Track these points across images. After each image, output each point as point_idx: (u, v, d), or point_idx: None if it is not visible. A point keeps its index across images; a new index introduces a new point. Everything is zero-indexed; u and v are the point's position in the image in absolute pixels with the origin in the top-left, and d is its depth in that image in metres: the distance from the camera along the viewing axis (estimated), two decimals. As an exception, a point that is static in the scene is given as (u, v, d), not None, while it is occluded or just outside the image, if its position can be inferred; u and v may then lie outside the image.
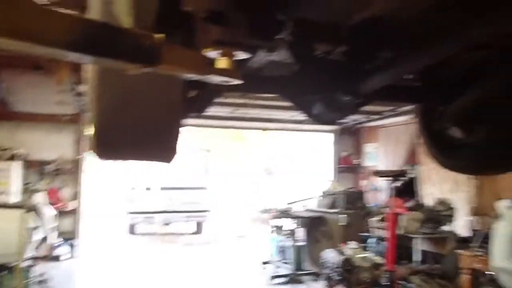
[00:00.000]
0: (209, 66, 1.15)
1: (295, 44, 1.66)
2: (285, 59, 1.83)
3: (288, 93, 1.99)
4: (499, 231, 4.12)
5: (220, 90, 1.69)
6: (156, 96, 1.33)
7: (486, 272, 4.64)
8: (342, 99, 1.87)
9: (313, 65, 1.86)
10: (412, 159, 8.67)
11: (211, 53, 1.18)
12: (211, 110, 8.10)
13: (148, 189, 11.68)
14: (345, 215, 7.14)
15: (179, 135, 1.41)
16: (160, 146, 1.42)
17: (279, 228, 7.84)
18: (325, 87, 1.88)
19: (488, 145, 1.97)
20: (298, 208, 8.42)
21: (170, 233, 11.86)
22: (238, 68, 1.19)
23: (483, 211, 6.40)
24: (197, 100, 1.66)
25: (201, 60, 1.15)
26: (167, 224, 11.73)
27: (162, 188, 11.64)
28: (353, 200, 7.61)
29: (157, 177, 11.54)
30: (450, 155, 2.22)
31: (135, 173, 11.83)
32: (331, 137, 11.21)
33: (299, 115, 8.49)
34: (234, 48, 1.20)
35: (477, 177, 6.75)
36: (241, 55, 1.24)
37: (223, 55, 1.19)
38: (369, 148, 10.63)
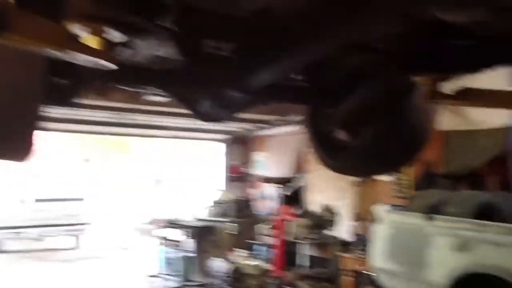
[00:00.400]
0: (73, 42, 0.96)
1: (181, 37, 1.53)
2: (171, 55, 1.69)
3: (172, 88, 1.83)
4: (379, 234, 4.34)
5: (92, 78, 1.47)
6: (9, 77, 1.09)
7: (366, 273, 4.87)
8: (231, 96, 1.76)
9: (200, 60, 1.74)
10: (300, 167, 8.93)
11: (77, 28, 0.99)
12: (92, 115, 7.64)
13: (22, 201, 10.59)
14: (235, 224, 7.10)
15: (37, 128, 1.16)
16: (9, 140, 1.15)
17: (167, 239, 7.56)
18: (212, 83, 1.76)
19: (373, 147, 2.00)
20: (187, 218, 8.21)
21: (44, 249, 10.84)
22: (110, 50, 1.01)
23: (364, 216, 6.76)
24: (64, 88, 1.43)
25: (63, 33, 0.95)
26: (40, 239, 10.71)
27: (37, 200, 10.63)
28: (243, 209, 7.63)
29: (31, 188, 10.52)
30: (336, 157, 2.23)
31: (6, 184, 10.66)
32: (222, 146, 11.18)
33: (191, 123, 8.32)
34: (105, 25, 1.02)
35: (359, 185, 7.13)
36: (115, 35, 1.06)
37: (92, 32, 1.01)
38: (258, 157, 10.78)
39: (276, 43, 1.63)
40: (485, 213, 3.65)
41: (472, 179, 5.66)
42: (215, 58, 1.72)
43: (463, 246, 3.34)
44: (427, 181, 5.59)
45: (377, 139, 1.97)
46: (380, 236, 4.34)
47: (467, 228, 3.42)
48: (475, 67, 1.43)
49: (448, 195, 3.98)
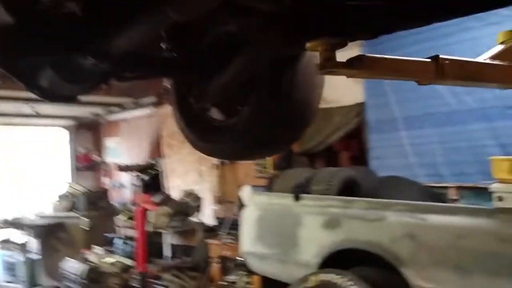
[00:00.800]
0: None
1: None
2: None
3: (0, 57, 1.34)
4: (246, 218, 4.21)
5: None
6: None
7: (235, 258, 4.75)
8: (82, 64, 1.34)
9: (35, 18, 1.29)
10: (156, 152, 8.51)
11: None
12: None
13: None
14: (87, 218, 6.43)
15: None
16: None
17: (6, 242, 6.60)
18: (52, 48, 1.32)
19: (251, 126, 1.74)
20: (30, 216, 7.22)
21: None
22: None
23: (226, 199, 6.66)
24: None
25: None
26: None
27: None
28: (96, 200, 6.98)
29: None
30: (210, 140, 1.94)
31: None
32: (66, 133, 10.13)
33: (27, 108, 7.31)
34: None
35: (218, 167, 7.00)
36: None
37: None
38: (111, 143, 10.01)
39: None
40: (349, 188, 3.75)
41: (328, 155, 5.93)
42: (55, 15, 1.29)
43: (331, 223, 3.35)
44: (286, 160, 5.67)
45: (257, 117, 1.72)
46: (247, 219, 4.22)
47: (334, 205, 3.44)
48: (377, 30, 1.24)
49: (312, 173, 4.00)
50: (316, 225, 3.47)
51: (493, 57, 1.62)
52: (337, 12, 1.24)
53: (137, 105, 8.32)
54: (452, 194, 4.38)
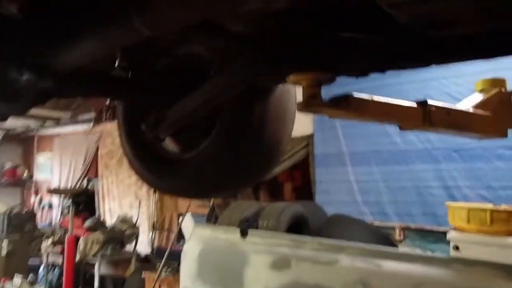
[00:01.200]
0: None
1: None
2: None
3: None
4: (187, 252, 3.92)
5: None
6: None
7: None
8: (15, 79, 1.09)
9: None
10: (91, 172, 8.01)
11: None
12: None
13: None
14: (7, 242, 5.84)
15: None
16: None
17: None
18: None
19: (212, 162, 1.52)
20: None
21: None
22: None
23: (165, 226, 6.31)
24: None
25: None
26: None
27: None
28: (20, 222, 6.35)
29: None
30: (160, 173, 1.70)
31: None
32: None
33: None
34: None
35: (157, 191, 6.66)
36: None
37: None
38: (42, 158, 9.33)
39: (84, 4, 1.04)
40: (297, 225, 3.59)
41: (271, 186, 5.79)
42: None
43: (280, 264, 3.15)
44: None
45: (218, 154, 1.51)
46: (188, 253, 3.92)
47: (284, 244, 3.25)
48: (368, 67, 1.09)
49: (260, 207, 3.80)
50: (264, 264, 3.25)
51: (476, 106, 1.53)
52: (328, 43, 1.08)
53: (74, 121, 7.83)
54: (397, 234, 4.35)
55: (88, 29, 0.99)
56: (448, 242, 3.27)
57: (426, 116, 1.34)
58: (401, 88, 4.29)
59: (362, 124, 4.63)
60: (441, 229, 4.08)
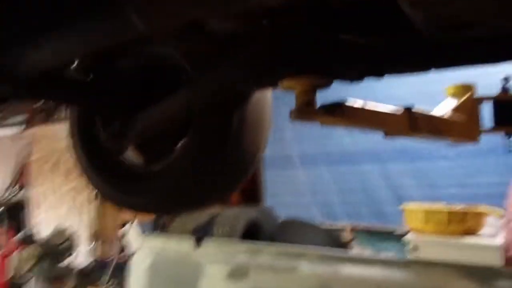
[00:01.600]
0: None
1: None
2: None
3: None
4: (135, 264, 3.70)
5: None
6: None
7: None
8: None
9: None
10: (21, 179, 7.44)
11: None
12: None
13: None
14: None
15: None
16: None
17: None
18: None
19: (180, 178, 1.38)
20: None
21: None
22: None
23: (106, 236, 5.97)
24: None
25: None
26: None
27: None
28: None
29: None
30: (121, 188, 1.53)
31: None
32: None
33: None
34: None
35: (97, 198, 6.30)
36: None
37: None
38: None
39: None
40: (252, 232, 3.50)
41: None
42: None
43: (237, 273, 3.04)
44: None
45: (190, 167, 1.37)
46: (137, 266, 3.71)
47: (241, 251, 3.14)
48: (365, 71, 1.02)
49: (213, 214, 3.67)
50: (220, 274, 3.13)
51: (453, 111, 1.51)
52: (327, 45, 0.99)
53: (2, 124, 7.25)
54: (346, 235, 4.38)
55: (71, 22, 0.83)
56: (400, 241, 3.32)
57: (412, 123, 1.30)
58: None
59: (310, 125, 4.63)
60: (389, 228, 4.17)
